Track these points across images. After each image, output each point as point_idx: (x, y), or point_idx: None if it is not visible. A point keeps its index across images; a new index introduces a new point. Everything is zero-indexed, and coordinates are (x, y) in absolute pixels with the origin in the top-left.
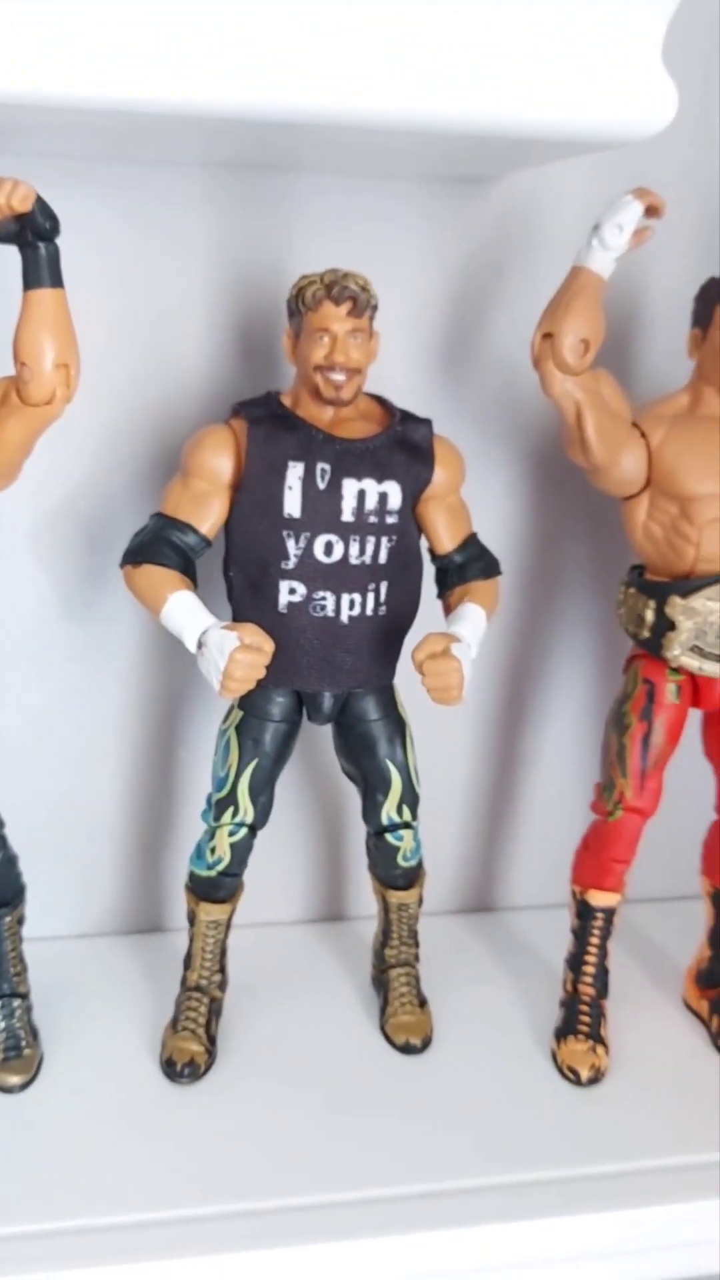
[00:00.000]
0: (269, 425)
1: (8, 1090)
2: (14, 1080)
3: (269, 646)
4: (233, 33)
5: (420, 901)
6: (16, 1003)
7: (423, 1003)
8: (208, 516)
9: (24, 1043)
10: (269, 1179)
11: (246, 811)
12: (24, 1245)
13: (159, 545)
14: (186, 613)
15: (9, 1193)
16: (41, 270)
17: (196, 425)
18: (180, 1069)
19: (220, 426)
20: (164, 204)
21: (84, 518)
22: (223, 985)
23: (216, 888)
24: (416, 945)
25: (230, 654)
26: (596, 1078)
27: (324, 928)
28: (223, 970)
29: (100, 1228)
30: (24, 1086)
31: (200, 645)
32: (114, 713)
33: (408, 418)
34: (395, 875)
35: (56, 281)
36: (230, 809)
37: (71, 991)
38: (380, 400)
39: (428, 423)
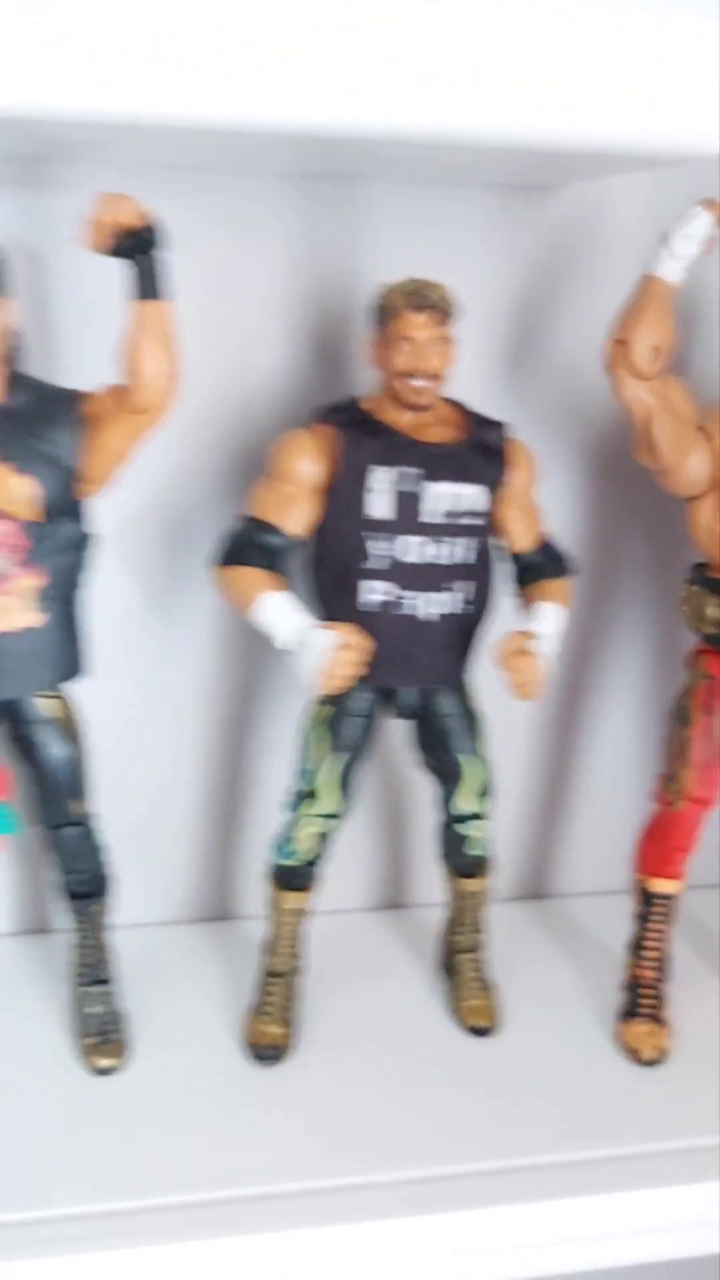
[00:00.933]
0: (356, 430)
1: (101, 1073)
2: (106, 1063)
3: (365, 645)
4: (321, 56)
5: (489, 890)
6: (106, 988)
7: (490, 987)
8: (295, 518)
9: (114, 1027)
10: (350, 1156)
11: (329, 803)
12: (118, 1221)
13: (248, 547)
14: (279, 612)
15: (103, 1171)
16: (148, 283)
17: (273, 430)
18: (263, 1051)
19: (307, 431)
20: (243, 213)
21: (166, 520)
22: (301, 971)
23: (297, 877)
24: (484, 932)
25: (329, 652)
26: (658, 1058)
27: (389, 914)
28: (301, 956)
29: (188, 1204)
30: (115, 1069)
31: (295, 644)
32: (191, 709)
33: (484, 421)
34: (467, 864)
35: (163, 293)
36: (313, 801)
37: (154, 977)
38: (456, 404)
39: (502, 426)
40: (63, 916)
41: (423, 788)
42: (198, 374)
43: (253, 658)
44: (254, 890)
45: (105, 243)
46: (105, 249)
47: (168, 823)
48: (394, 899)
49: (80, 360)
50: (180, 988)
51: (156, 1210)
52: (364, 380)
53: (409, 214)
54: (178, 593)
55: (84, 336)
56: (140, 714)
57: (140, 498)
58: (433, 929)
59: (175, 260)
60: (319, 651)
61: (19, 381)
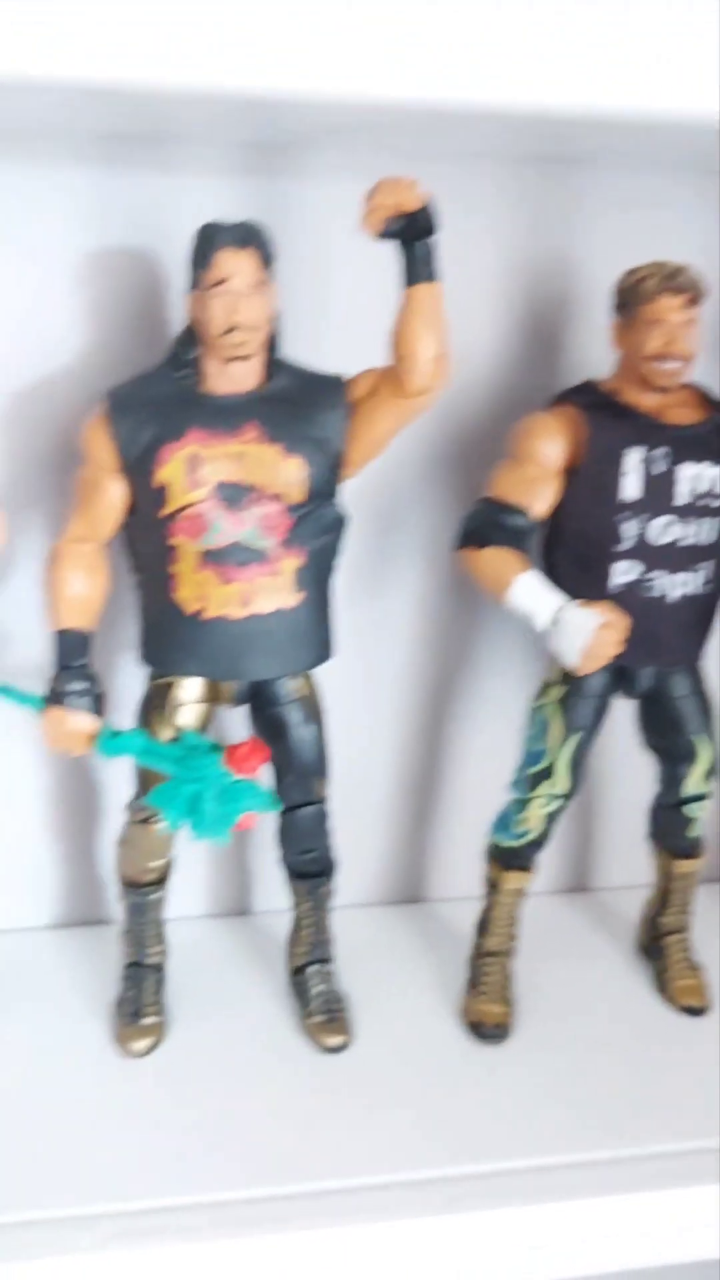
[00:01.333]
0: (602, 413)
1: (331, 1051)
2: (336, 1041)
3: (623, 623)
4: (545, 36)
5: (700, 871)
6: (329, 968)
7: (699, 967)
8: (539, 500)
9: (339, 1006)
10: (574, 1133)
11: (561, 784)
12: (342, 1200)
13: (495, 528)
14: (536, 593)
15: (334, 1148)
16: (423, 265)
17: (486, 414)
18: (488, 1030)
19: (551, 414)
20: (461, 197)
21: (376, 503)
22: (516, 951)
23: (520, 857)
24: (692, 913)
25: (594, 631)
26: None
27: (570, 898)
28: (517, 936)
29: (411, 1182)
30: (344, 1047)
31: (552, 624)
32: (389, 692)
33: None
34: (685, 845)
35: (434, 276)
36: (547, 781)
37: (357, 958)
38: (693, 386)
39: None
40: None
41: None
42: None
43: (452, 638)
44: (448, 872)
45: (382, 226)
46: (381, 232)
47: (365, 806)
48: (578, 882)
49: (314, 346)
50: (382, 968)
51: (375, 1189)
52: (577, 364)
53: (623, 198)
54: (384, 576)
55: (318, 323)
56: (340, 697)
57: (354, 479)
58: (618, 912)
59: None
60: (583, 631)
61: (281, 366)
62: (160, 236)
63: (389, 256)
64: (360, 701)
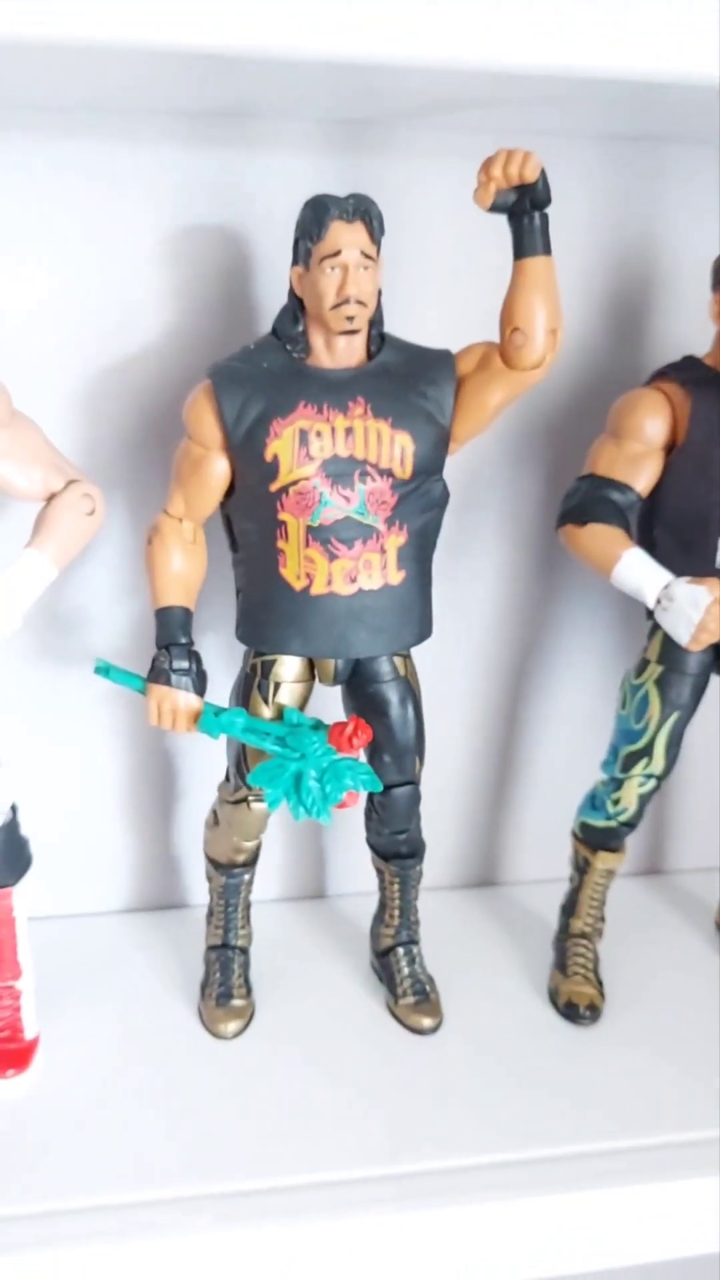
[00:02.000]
0: (707, 388)
1: (423, 1032)
2: (429, 1023)
3: None
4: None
5: None
6: (416, 949)
7: None
8: (642, 476)
9: (429, 987)
10: (669, 1113)
11: (659, 764)
12: (437, 1180)
13: (600, 504)
14: (643, 568)
15: (420, 1129)
16: (536, 238)
17: (568, 394)
18: (582, 1011)
19: (652, 390)
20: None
21: (457, 482)
22: (602, 932)
23: (613, 837)
24: None
25: (706, 607)
26: None
27: (644, 880)
28: (604, 918)
29: (504, 1163)
30: (436, 1028)
31: (662, 600)
32: (467, 672)
33: None
34: None
35: (548, 249)
36: (644, 760)
37: (438, 941)
38: None
39: None
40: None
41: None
42: None
43: (526, 621)
44: (521, 856)
45: (495, 198)
46: (494, 204)
47: (441, 789)
48: (653, 865)
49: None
50: (461, 951)
51: (468, 1170)
52: (661, 343)
53: (708, 175)
54: (464, 556)
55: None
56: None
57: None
58: (692, 895)
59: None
60: (697, 606)
61: (387, 341)
62: (244, 214)
63: (475, 234)
64: (438, 682)
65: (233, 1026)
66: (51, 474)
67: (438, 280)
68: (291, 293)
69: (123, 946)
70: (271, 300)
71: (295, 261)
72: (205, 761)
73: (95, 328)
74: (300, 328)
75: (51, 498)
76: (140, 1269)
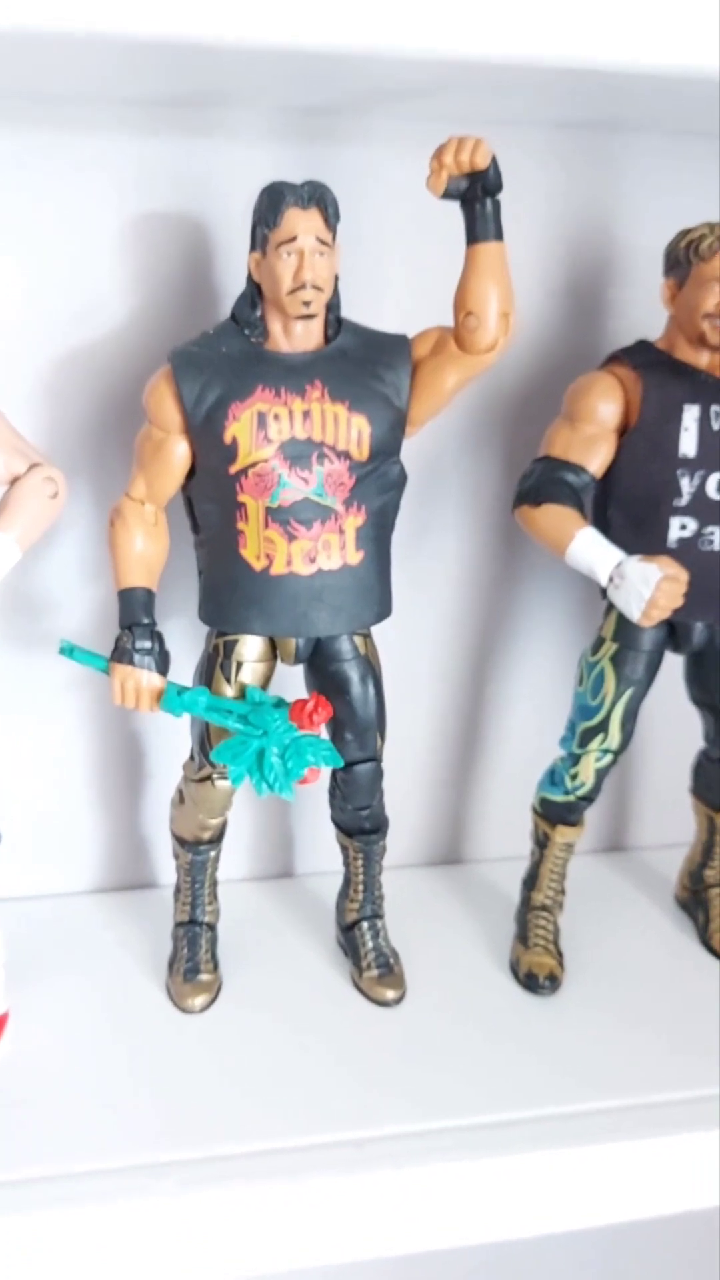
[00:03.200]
0: (658, 370)
1: (386, 1004)
2: (393, 995)
3: (685, 576)
4: None
5: None
6: (382, 923)
7: None
8: (595, 457)
9: (392, 960)
10: (624, 1079)
11: (615, 739)
12: (404, 1143)
13: (554, 485)
14: (596, 547)
15: (392, 1096)
16: (489, 224)
17: (524, 377)
18: (541, 981)
19: (605, 374)
20: (503, 163)
21: (417, 464)
22: (563, 905)
23: (571, 811)
24: None
25: (656, 584)
26: None
27: (605, 857)
28: (564, 891)
29: (469, 1126)
30: (399, 1000)
31: (614, 577)
32: (429, 651)
33: None
34: None
35: (500, 234)
36: (600, 735)
37: (404, 917)
38: None
39: None
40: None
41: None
42: None
43: (491, 600)
44: (486, 833)
45: (447, 184)
46: (446, 191)
47: (404, 766)
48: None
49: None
50: (425, 926)
51: (444, 1131)
52: (616, 328)
53: (659, 163)
54: (424, 536)
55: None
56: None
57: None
58: (653, 870)
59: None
60: (647, 584)
61: (344, 325)
62: (203, 202)
63: (430, 221)
64: (400, 660)
65: (200, 1000)
66: (14, 457)
67: (394, 266)
68: (249, 278)
69: (92, 926)
70: (231, 286)
71: (253, 248)
72: (172, 743)
73: (57, 315)
74: (258, 313)
75: (13, 481)
76: (111, 1233)
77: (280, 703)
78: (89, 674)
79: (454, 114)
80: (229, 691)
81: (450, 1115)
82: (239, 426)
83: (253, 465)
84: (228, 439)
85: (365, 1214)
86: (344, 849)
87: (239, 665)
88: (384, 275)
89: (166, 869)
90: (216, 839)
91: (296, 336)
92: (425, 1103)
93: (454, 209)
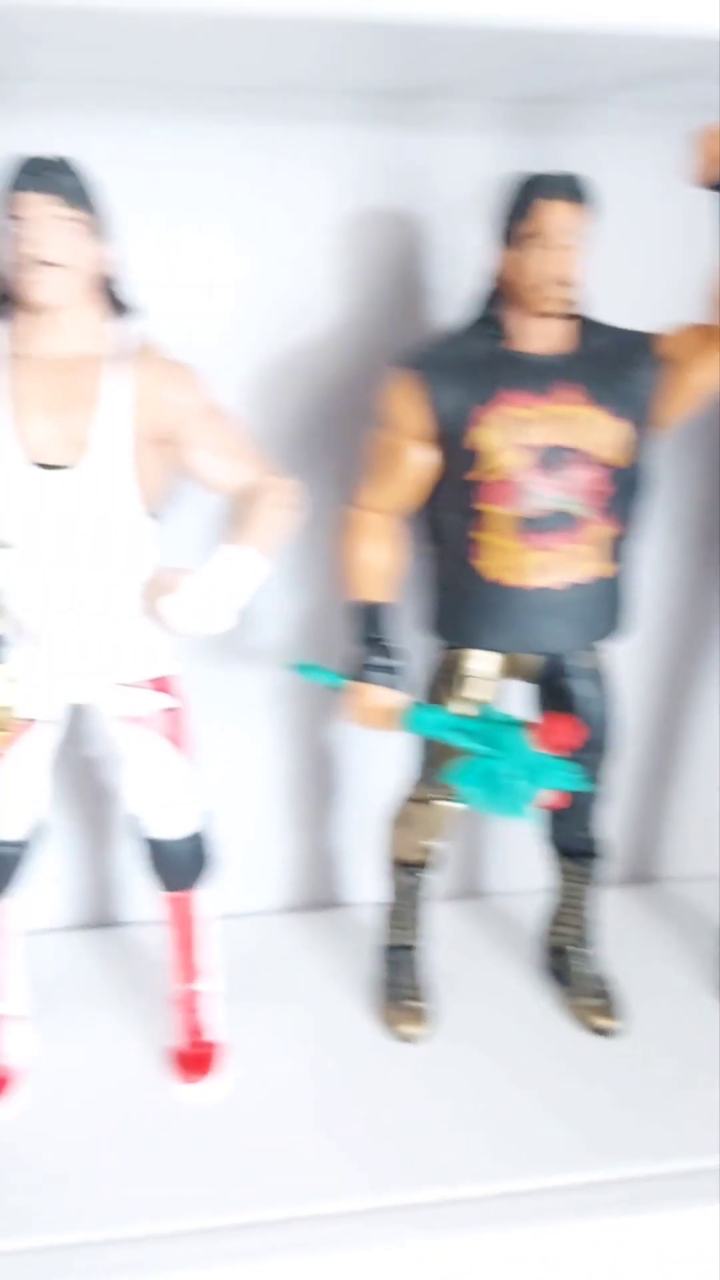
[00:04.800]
0: None
1: (604, 1034)
2: (609, 1024)
3: None
4: None
5: None
6: (593, 950)
7: None
8: None
9: (608, 988)
10: None
11: None
12: (639, 1187)
13: None
14: None
15: (610, 1135)
16: None
17: None
18: None
19: None
20: None
21: None
22: None
23: None
24: None
25: None
26: None
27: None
28: None
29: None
30: (619, 1031)
31: None
32: (631, 662)
33: None
34: None
35: None
36: None
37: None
38: None
39: None
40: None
41: None
42: None
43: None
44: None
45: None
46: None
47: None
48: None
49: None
50: (627, 950)
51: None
52: None
53: None
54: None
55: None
56: None
57: None
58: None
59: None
60: None
61: (591, 324)
62: (419, 196)
63: (652, 214)
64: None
65: (414, 1029)
66: (248, 466)
67: (632, 262)
68: (491, 275)
69: (287, 946)
70: (445, 285)
71: (499, 242)
72: (367, 760)
73: (271, 311)
74: (500, 312)
75: (246, 490)
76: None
77: (517, 722)
78: (285, 688)
79: (684, 103)
80: (458, 709)
81: (676, 1158)
82: (484, 431)
83: (497, 472)
84: (472, 445)
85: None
86: (558, 871)
87: (470, 681)
88: (625, 270)
89: (356, 888)
90: (435, 862)
91: (543, 336)
92: (656, 1143)
93: (691, 203)
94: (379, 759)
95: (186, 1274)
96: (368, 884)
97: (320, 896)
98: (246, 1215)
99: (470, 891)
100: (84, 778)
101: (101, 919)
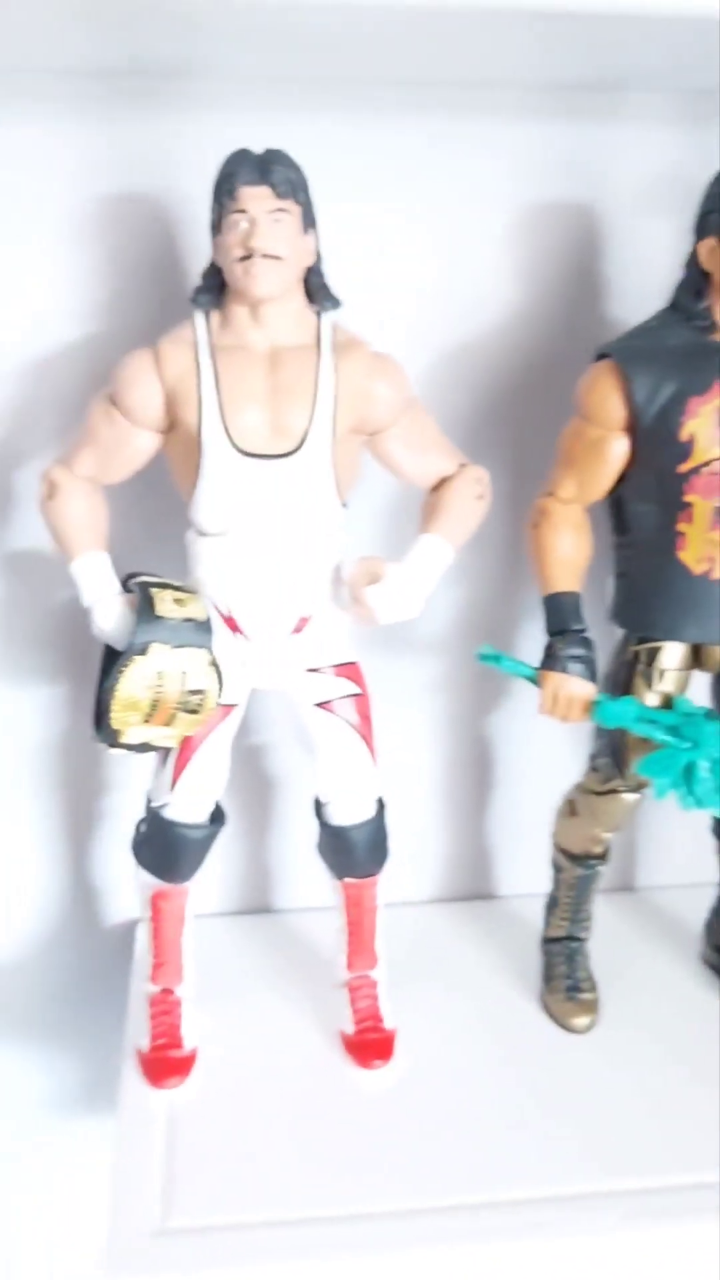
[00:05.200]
0: None
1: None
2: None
3: None
4: None
5: None
6: None
7: None
8: None
9: None
10: None
11: None
12: None
13: None
14: None
15: None
16: None
17: None
18: None
19: None
20: None
21: None
22: None
23: None
24: None
25: None
26: None
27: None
28: None
29: None
30: None
31: None
32: None
33: None
34: None
35: None
36: None
37: None
38: None
39: None
40: None
41: None
42: None
43: None
44: None
45: None
46: None
47: None
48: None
49: None
50: None
51: None
52: None
53: None
54: None
55: None
56: None
57: None
58: None
59: None
60: None
61: None
62: (596, 188)
63: None
64: None
65: (584, 1020)
66: (443, 457)
67: None
68: (694, 264)
69: (444, 936)
70: (621, 278)
71: (705, 233)
72: (522, 752)
73: (452, 305)
74: (705, 302)
75: (441, 481)
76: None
77: (711, 714)
78: (446, 679)
79: None
80: (650, 701)
81: None
82: (698, 423)
83: (707, 464)
84: (684, 436)
85: None
86: None
87: (661, 673)
88: None
89: (506, 880)
90: (605, 854)
91: None
92: None
93: None
94: (536, 751)
95: (362, 1256)
96: (518, 877)
97: (471, 888)
98: (422, 1201)
99: (624, 886)
100: (246, 765)
101: (260, 906)
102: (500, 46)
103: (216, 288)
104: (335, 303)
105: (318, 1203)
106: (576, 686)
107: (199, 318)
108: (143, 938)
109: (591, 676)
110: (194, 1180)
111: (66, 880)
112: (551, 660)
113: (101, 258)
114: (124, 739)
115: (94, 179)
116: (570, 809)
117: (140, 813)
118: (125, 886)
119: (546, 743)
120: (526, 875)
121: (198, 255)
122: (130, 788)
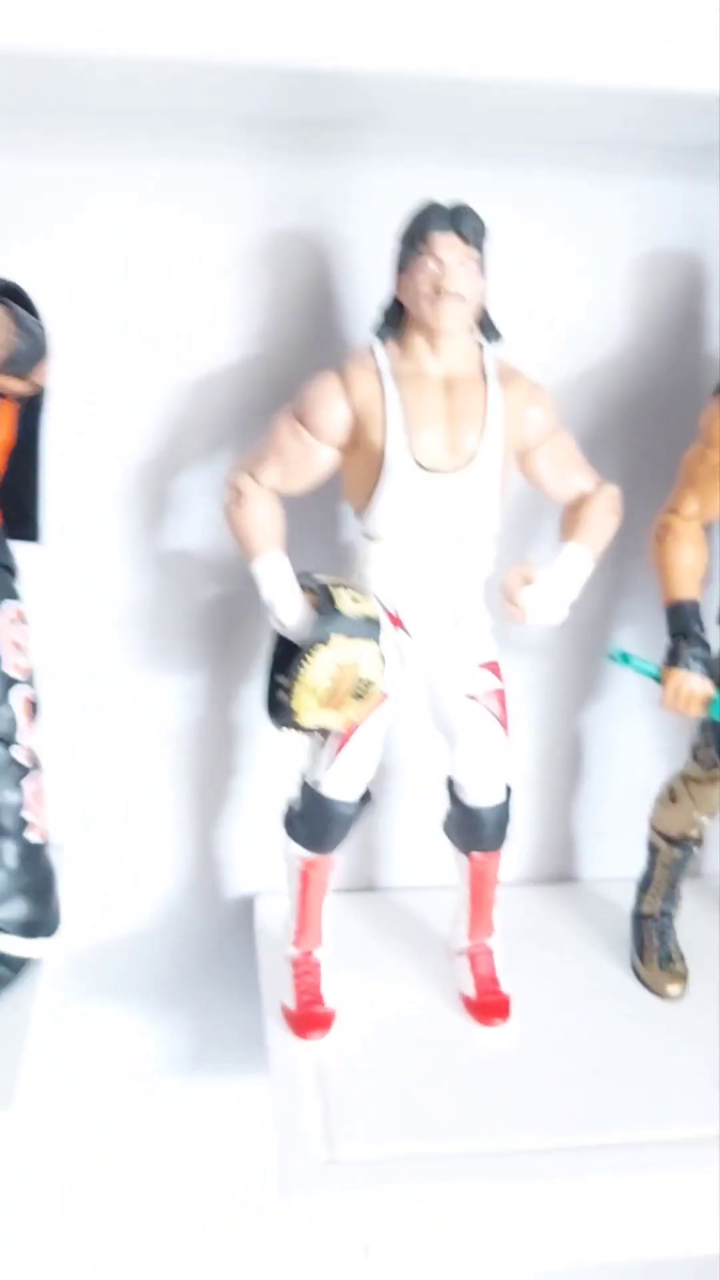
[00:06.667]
0: None
1: None
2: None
3: None
4: None
5: None
6: None
7: None
8: None
9: None
10: None
11: None
12: None
13: None
14: None
15: None
16: None
17: None
18: None
19: None
20: None
21: None
22: None
23: None
24: None
25: None
26: None
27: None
28: None
29: None
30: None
31: None
32: None
33: None
34: None
35: None
36: None
37: None
38: None
39: None
40: None
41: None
42: None
43: None
44: None
45: None
46: None
47: None
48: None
49: None
50: None
51: None
52: None
53: None
54: None
55: None
56: None
57: None
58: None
59: None
60: None
61: None
62: (703, 240)
63: None
64: None
65: (678, 989)
66: (582, 475)
67: None
68: None
69: (536, 914)
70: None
71: None
72: (613, 741)
73: (574, 339)
74: None
75: (580, 497)
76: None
77: None
78: (545, 680)
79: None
80: None
81: None
82: None
83: None
84: None
85: None
86: None
87: None
88: None
89: (589, 864)
90: (701, 838)
91: None
92: None
93: None
94: (626, 739)
95: (494, 1183)
96: (601, 861)
97: (552, 871)
98: (542, 1140)
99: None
100: None
101: (366, 884)
102: (629, 117)
103: (397, 320)
104: (499, 336)
105: (456, 1138)
106: (697, 684)
107: (378, 346)
108: (265, 911)
109: (713, 674)
110: (350, 1120)
111: (193, 857)
112: (675, 659)
113: (264, 289)
114: (301, 721)
115: (267, 218)
116: (670, 795)
117: (265, 795)
118: (244, 864)
119: (631, 741)
120: (609, 860)
121: (348, 291)
122: (253, 773)
